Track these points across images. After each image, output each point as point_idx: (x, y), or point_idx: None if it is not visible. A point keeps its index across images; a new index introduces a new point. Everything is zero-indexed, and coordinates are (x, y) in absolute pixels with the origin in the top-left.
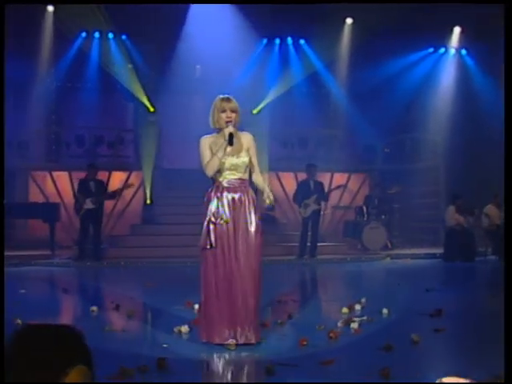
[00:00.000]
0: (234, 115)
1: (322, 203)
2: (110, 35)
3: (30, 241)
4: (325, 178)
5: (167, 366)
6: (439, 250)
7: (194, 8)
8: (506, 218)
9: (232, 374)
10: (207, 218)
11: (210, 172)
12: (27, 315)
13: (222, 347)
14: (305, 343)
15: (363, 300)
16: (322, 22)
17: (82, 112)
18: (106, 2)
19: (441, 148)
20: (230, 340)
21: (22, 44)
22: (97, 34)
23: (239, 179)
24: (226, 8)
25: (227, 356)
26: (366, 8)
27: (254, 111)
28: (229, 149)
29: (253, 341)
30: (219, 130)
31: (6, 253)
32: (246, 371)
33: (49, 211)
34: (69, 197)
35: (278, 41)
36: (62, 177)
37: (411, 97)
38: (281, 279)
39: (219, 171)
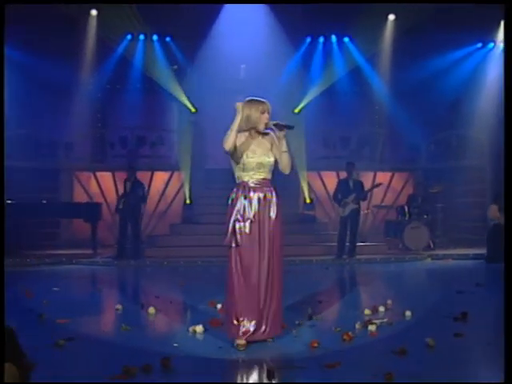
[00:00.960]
0: (268, 117)
1: (361, 202)
2: (155, 37)
3: (74, 240)
4: (367, 178)
5: (171, 366)
6: (484, 251)
7: (234, 8)
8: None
9: (234, 374)
10: (234, 217)
11: (226, 146)
12: (54, 312)
13: (232, 347)
14: (315, 345)
15: (389, 302)
16: (365, 19)
17: (125, 113)
18: (141, 2)
19: (487, 146)
20: (239, 340)
21: (67, 46)
22: (141, 37)
23: (264, 179)
24: (267, 7)
25: (233, 356)
26: (408, 4)
27: (296, 110)
28: (258, 150)
29: (267, 336)
30: (246, 130)
31: (51, 251)
32: (248, 372)
33: (90, 211)
34: (112, 197)
35: (321, 39)
36: (106, 177)
37: (458, 93)
38: (314, 279)
39: (244, 170)
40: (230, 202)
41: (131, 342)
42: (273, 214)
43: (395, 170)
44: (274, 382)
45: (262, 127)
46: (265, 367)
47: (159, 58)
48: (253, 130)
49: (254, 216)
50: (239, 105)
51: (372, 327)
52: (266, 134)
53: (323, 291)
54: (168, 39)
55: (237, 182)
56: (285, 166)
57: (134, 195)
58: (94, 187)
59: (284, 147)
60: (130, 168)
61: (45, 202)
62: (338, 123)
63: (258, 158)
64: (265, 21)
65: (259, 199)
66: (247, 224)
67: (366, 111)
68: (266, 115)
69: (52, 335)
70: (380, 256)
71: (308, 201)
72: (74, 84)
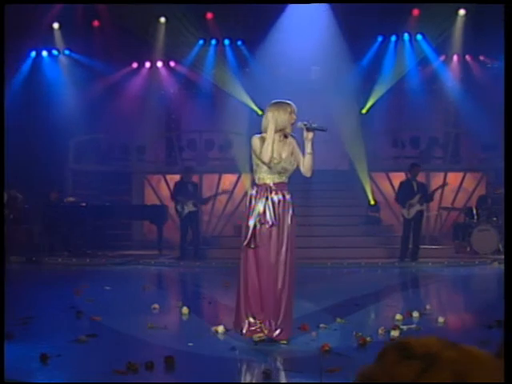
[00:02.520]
0: (295, 118)
1: (425, 204)
2: (226, 41)
3: (145, 241)
4: (438, 178)
5: (174, 365)
6: None
7: (300, 8)
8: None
9: (233, 374)
10: (254, 218)
11: (265, 158)
12: (93, 310)
13: (242, 348)
14: (326, 349)
15: (428, 307)
16: (435, 15)
17: (195, 116)
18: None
19: None
20: (257, 335)
21: (140, 53)
22: (213, 41)
23: (282, 182)
24: (334, 7)
25: (240, 356)
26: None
27: (363, 110)
28: (284, 154)
29: (282, 337)
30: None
31: (122, 252)
32: (246, 373)
33: (156, 213)
34: None
35: (394, 37)
36: (176, 179)
37: None
38: (366, 282)
39: (269, 173)
40: (247, 203)
41: (149, 339)
42: (288, 218)
43: (467, 171)
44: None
45: (290, 128)
46: (262, 369)
47: (230, 61)
48: (281, 132)
49: (275, 219)
50: (270, 114)
51: (394, 333)
52: (290, 137)
53: (367, 294)
54: (239, 43)
55: (257, 182)
56: (307, 169)
57: (195, 197)
58: (164, 190)
59: (309, 149)
60: (187, 170)
61: (108, 204)
62: (407, 122)
63: (283, 163)
64: (332, 21)
65: (279, 201)
66: (268, 226)
67: (437, 109)
68: (293, 116)
69: (81, 331)
70: (445, 260)
71: (372, 203)
72: (147, 89)
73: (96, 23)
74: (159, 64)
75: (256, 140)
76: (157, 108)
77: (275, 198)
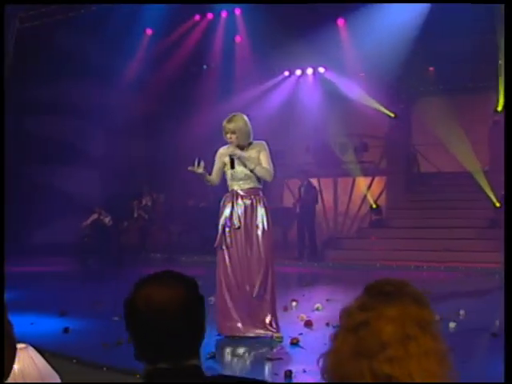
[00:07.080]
0: (233, 136)
1: None
2: None
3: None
4: None
5: None
6: None
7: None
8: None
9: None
10: (222, 222)
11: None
12: None
13: (229, 340)
14: (295, 342)
15: (462, 312)
16: None
17: (329, 121)
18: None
19: None
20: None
21: (283, 62)
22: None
23: (252, 188)
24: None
25: (220, 345)
26: None
27: (498, 108)
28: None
29: (264, 334)
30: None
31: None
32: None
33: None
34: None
35: None
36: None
37: None
38: (449, 287)
39: (233, 180)
40: (220, 207)
41: None
42: (259, 221)
43: None
44: None
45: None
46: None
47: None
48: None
49: (239, 222)
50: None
51: None
52: (252, 144)
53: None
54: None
55: (229, 189)
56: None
57: (306, 198)
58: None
59: (250, 167)
60: (301, 172)
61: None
62: None
63: (243, 169)
64: (467, 18)
65: (246, 207)
66: (233, 229)
67: None
68: (228, 135)
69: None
70: None
71: (497, 205)
72: (289, 96)
73: (238, 39)
74: (309, 71)
75: (216, 155)
76: (299, 114)
77: (242, 205)
